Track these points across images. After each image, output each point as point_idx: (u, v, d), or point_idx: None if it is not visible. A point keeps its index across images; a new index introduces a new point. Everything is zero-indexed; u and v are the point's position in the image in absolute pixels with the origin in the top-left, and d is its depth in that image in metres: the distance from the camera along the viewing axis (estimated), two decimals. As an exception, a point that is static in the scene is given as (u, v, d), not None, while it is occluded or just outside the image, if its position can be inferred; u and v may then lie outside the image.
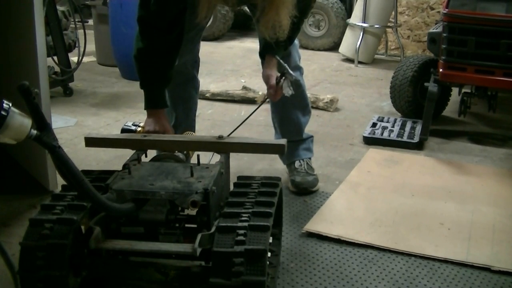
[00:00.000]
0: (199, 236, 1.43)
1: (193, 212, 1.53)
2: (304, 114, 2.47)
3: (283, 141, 1.77)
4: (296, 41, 2.28)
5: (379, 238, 2.01)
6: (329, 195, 2.35)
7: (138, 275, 1.53)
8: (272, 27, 1.82)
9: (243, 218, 1.46)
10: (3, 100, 1.14)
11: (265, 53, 2.08)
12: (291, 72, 2.11)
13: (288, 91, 2.14)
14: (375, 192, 2.40)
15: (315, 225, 2.09)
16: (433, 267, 1.86)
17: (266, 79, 2.04)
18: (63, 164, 1.26)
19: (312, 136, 2.56)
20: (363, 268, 1.85)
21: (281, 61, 2.14)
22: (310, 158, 2.52)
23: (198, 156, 1.73)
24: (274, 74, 2.03)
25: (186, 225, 1.58)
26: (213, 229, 1.45)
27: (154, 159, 1.79)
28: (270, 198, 1.58)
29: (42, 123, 1.22)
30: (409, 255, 1.93)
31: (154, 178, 1.57)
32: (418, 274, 1.82)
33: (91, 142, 1.81)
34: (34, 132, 1.20)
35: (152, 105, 2.02)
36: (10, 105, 1.15)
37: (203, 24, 2.25)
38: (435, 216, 2.19)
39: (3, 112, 1.13)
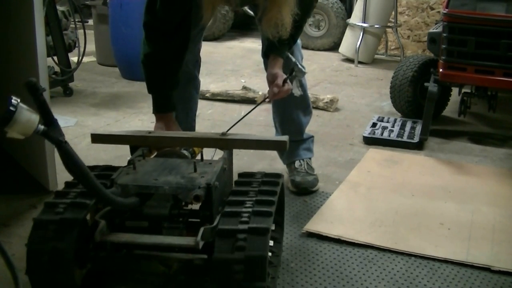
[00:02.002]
0: (201, 229, 1.45)
1: (196, 207, 1.56)
2: (305, 114, 2.47)
3: (285, 137, 1.80)
4: (299, 41, 2.29)
5: (379, 238, 2.01)
6: (329, 195, 2.35)
7: (142, 268, 1.56)
8: (275, 25, 1.82)
9: (246, 205, 1.52)
10: (11, 96, 1.18)
11: (269, 52, 2.08)
12: (302, 69, 2.12)
13: (297, 91, 2.15)
14: (375, 192, 2.40)
15: (315, 225, 2.09)
16: (433, 267, 1.86)
17: (273, 78, 2.04)
18: (70, 158, 1.29)
19: (312, 136, 2.56)
20: (363, 268, 1.85)
21: (293, 58, 2.14)
22: (310, 158, 2.52)
23: (201, 152, 1.77)
24: (281, 73, 2.04)
25: (189, 220, 1.61)
26: (215, 223, 1.48)
27: (158, 155, 1.82)
28: (273, 187, 1.63)
29: (49, 119, 1.25)
30: (409, 255, 1.93)
31: (158, 174, 1.60)
32: (418, 274, 1.82)
33: (97, 138, 1.86)
34: (41, 127, 1.23)
35: (161, 109, 2.04)
36: (19, 101, 1.18)
37: (204, 24, 2.26)
38: (435, 216, 2.19)
39: (11, 108, 1.16)
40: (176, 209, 1.56)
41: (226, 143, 1.78)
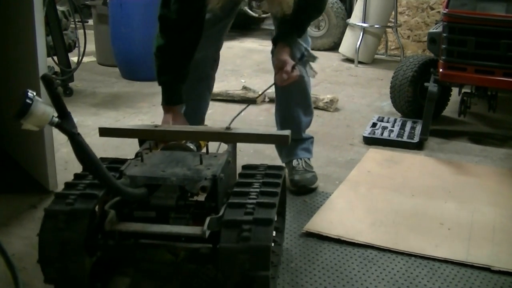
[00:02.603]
0: (207, 219, 1.50)
1: (201, 198, 1.62)
2: (306, 114, 2.48)
3: (287, 132, 1.85)
4: (309, 39, 2.34)
5: (379, 238, 2.01)
6: (329, 195, 2.35)
7: (150, 256, 1.61)
8: (278, 3, 1.91)
9: (254, 185, 1.61)
10: (28, 90, 1.23)
11: (278, 40, 2.13)
12: (312, 53, 2.21)
13: (312, 73, 2.26)
14: (375, 192, 2.40)
15: (315, 225, 2.09)
16: (433, 267, 1.86)
17: (282, 64, 2.08)
18: (82, 150, 1.34)
19: (312, 138, 2.56)
20: (363, 268, 1.85)
21: (303, 44, 2.21)
22: (309, 158, 2.52)
23: (207, 145, 1.84)
24: (290, 59, 2.08)
25: (195, 210, 1.65)
26: (221, 213, 1.53)
27: (164, 149, 1.88)
28: (278, 171, 1.73)
29: (62, 112, 1.30)
30: (409, 255, 1.93)
31: (165, 166, 1.66)
32: (418, 274, 1.82)
33: (104, 132, 1.90)
34: (56, 119, 1.29)
35: (169, 101, 2.11)
36: (34, 94, 1.24)
37: (224, 22, 2.35)
38: (435, 216, 2.19)
39: (28, 101, 1.21)
40: (182, 200, 1.62)
41: (230, 137, 1.84)
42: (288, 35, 2.12)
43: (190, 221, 1.61)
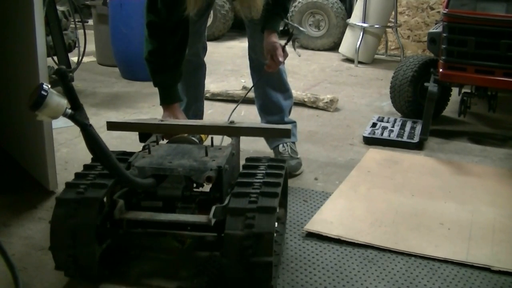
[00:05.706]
0: (213, 208, 1.56)
1: (206, 189, 1.70)
2: (285, 98, 2.61)
3: (288, 126, 1.94)
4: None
5: (379, 238, 2.01)
6: (329, 195, 2.35)
7: (157, 244, 1.67)
8: (248, 7, 2.03)
9: (259, 176, 1.70)
10: (43, 82, 1.29)
11: (265, 27, 2.22)
12: (301, 28, 2.34)
13: (299, 52, 2.37)
14: (375, 192, 2.40)
15: (315, 225, 2.09)
16: (433, 267, 1.86)
17: (271, 46, 2.19)
18: (93, 141, 1.40)
19: (295, 122, 2.68)
20: (363, 268, 1.85)
21: (291, 22, 2.37)
22: (294, 143, 2.63)
23: (211, 138, 1.90)
24: (278, 42, 2.20)
25: (200, 199, 1.71)
26: (226, 202, 1.58)
27: (170, 142, 1.95)
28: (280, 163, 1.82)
29: (75, 104, 1.36)
30: (409, 255, 1.93)
31: (172, 157, 1.73)
32: (418, 274, 1.82)
33: (112, 126, 1.96)
34: (69, 111, 1.34)
35: (167, 101, 2.17)
36: (49, 86, 1.29)
37: (205, 17, 2.49)
38: (435, 216, 2.19)
39: (43, 92, 1.26)
40: (188, 191, 1.68)
41: (234, 130, 1.90)
42: (273, 21, 2.21)
43: (196, 210, 1.67)
